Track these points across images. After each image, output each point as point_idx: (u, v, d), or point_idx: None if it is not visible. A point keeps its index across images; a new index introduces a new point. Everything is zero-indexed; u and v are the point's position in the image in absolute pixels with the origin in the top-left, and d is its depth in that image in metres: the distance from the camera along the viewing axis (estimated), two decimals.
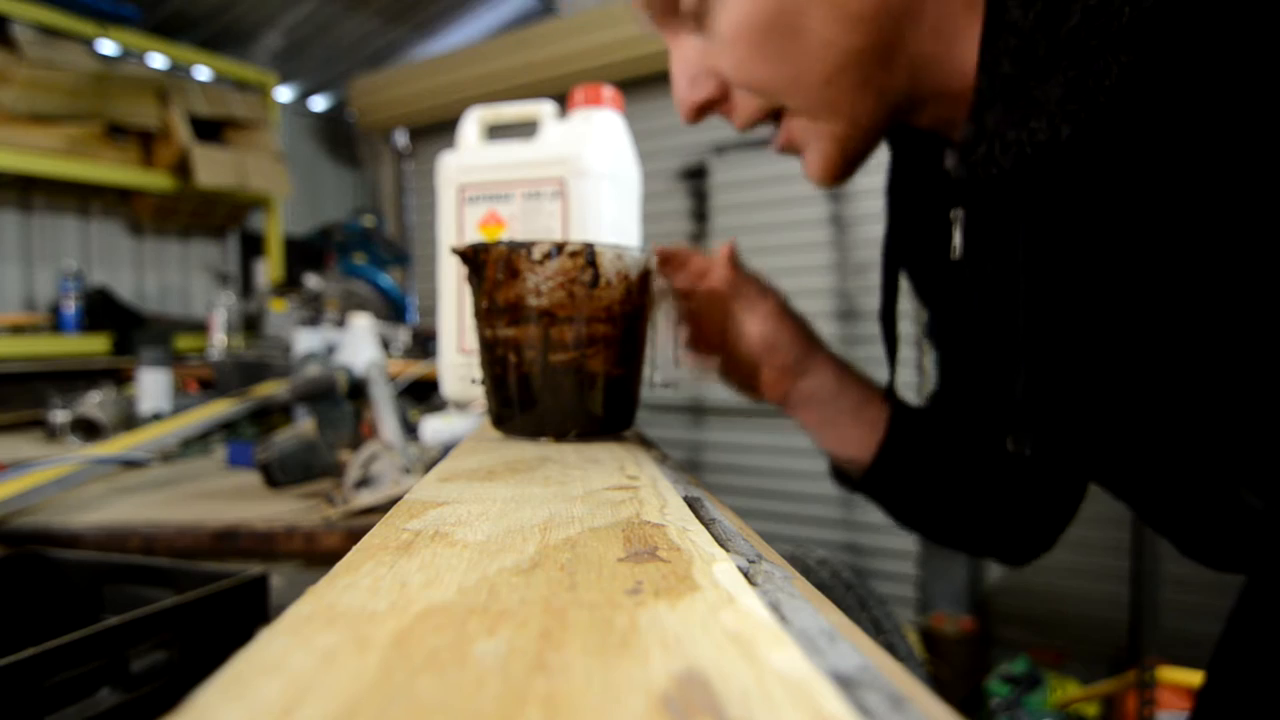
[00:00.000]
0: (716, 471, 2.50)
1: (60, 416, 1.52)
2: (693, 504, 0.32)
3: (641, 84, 2.49)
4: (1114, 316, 0.38)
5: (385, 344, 1.84)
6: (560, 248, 0.46)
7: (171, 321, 2.62)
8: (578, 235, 0.82)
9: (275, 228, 2.89)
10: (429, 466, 0.92)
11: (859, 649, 0.17)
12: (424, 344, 2.00)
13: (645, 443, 0.53)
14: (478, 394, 0.87)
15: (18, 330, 2.24)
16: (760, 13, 0.40)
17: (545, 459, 0.43)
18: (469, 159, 0.88)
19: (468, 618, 0.18)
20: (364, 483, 0.89)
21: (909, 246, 0.56)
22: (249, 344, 2.39)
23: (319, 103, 3.44)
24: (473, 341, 0.93)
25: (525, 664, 0.15)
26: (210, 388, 1.87)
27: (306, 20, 2.80)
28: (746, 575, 0.22)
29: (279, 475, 0.97)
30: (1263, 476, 0.38)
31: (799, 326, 0.59)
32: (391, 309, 2.39)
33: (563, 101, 0.92)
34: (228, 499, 0.96)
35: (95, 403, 1.49)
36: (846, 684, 0.15)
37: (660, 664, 0.15)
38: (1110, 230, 0.36)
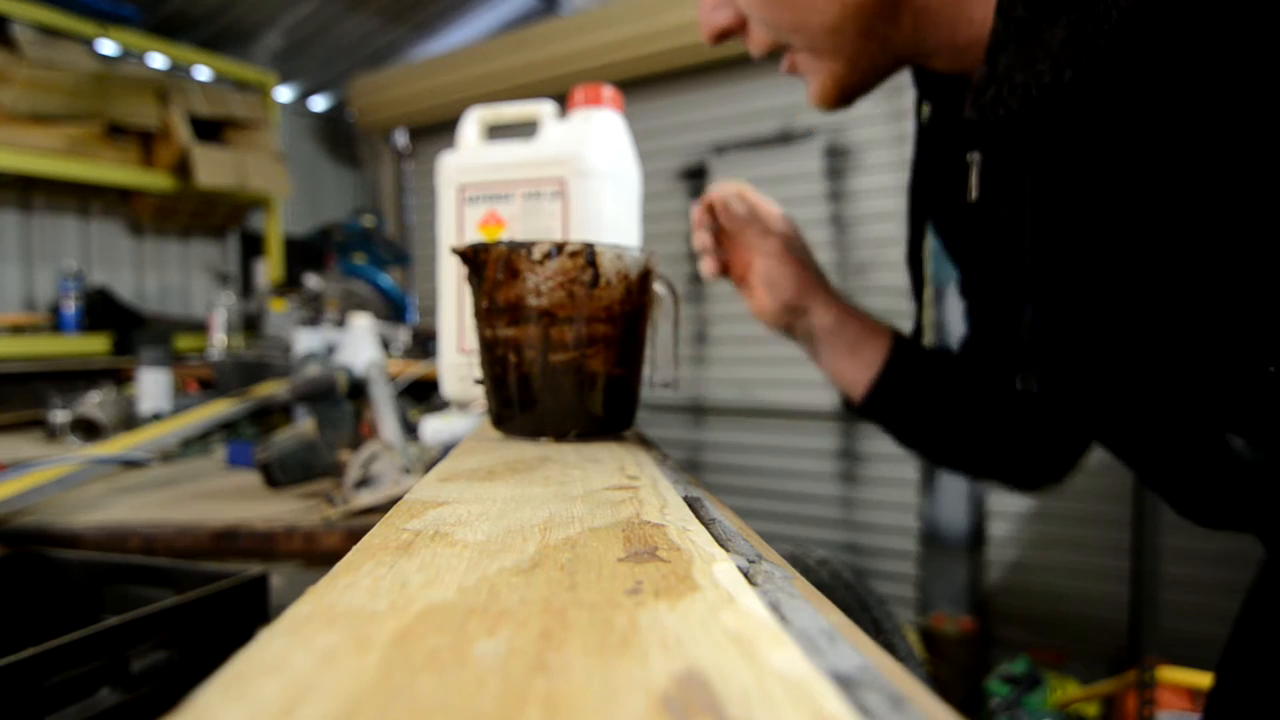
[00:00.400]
0: (716, 471, 2.50)
1: (60, 416, 1.52)
2: (693, 504, 0.32)
3: (641, 84, 2.49)
4: (1114, 254, 0.39)
5: (385, 344, 1.84)
6: (560, 248, 0.46)
7: (171, 321, 2.62)
8: (578, 235, 0.82)
9: (275, 228, 2.89)
10: (429, 466, 0.92)
11: (859, 649, 0.17)
12: (424, 344, 2.00)
13: (645, 443, 0.53)
14: (478, 394, 0.87)
15: (18, 330, 2.24)
16: None
17: (545, 459, 0.43)
18: (469, 159, 0.88)
19: (468, 618, 0.18)
20: (364, 483, 0.89)
21: (934, 192, 0.57)
22: (249, 344, 2.39)
23: (319, 103, 3.44)
24: (473, 341, 0.93)
25: (525, 664, 0.15)
26: (210, 388, 1.87)
27: (306, 20, 2.80)
28: (746, 575, 0.22)
29: (279, 475, 0.97)
30: (1248, 422, 0.38)
31: (799, 266, 0.63)
32: (391, 309, 2.39)
33: (563, 101, 0.92)
34: (228, 499, 0.96)
35: (95, 403, 1.49)
36: (846, 684, 0.15)
37: (660, 664, 0.15)
38: (1111, 170, 0.37)
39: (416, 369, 1.60)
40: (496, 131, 0.91)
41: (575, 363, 0.47)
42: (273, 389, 1.52)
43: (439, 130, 3.06)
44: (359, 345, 1.34)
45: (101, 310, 2.37)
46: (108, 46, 2.41)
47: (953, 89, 0.50)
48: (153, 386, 1.52)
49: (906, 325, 0.66)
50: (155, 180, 2.44)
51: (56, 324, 2.29)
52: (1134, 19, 0.34)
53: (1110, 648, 1.92)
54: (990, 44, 0.40)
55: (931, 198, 0.58)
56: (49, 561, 0.68)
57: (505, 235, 0.85)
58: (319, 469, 1.00)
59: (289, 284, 2.62)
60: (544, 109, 0.89)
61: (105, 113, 2.28)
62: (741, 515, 0.37)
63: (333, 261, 2.64)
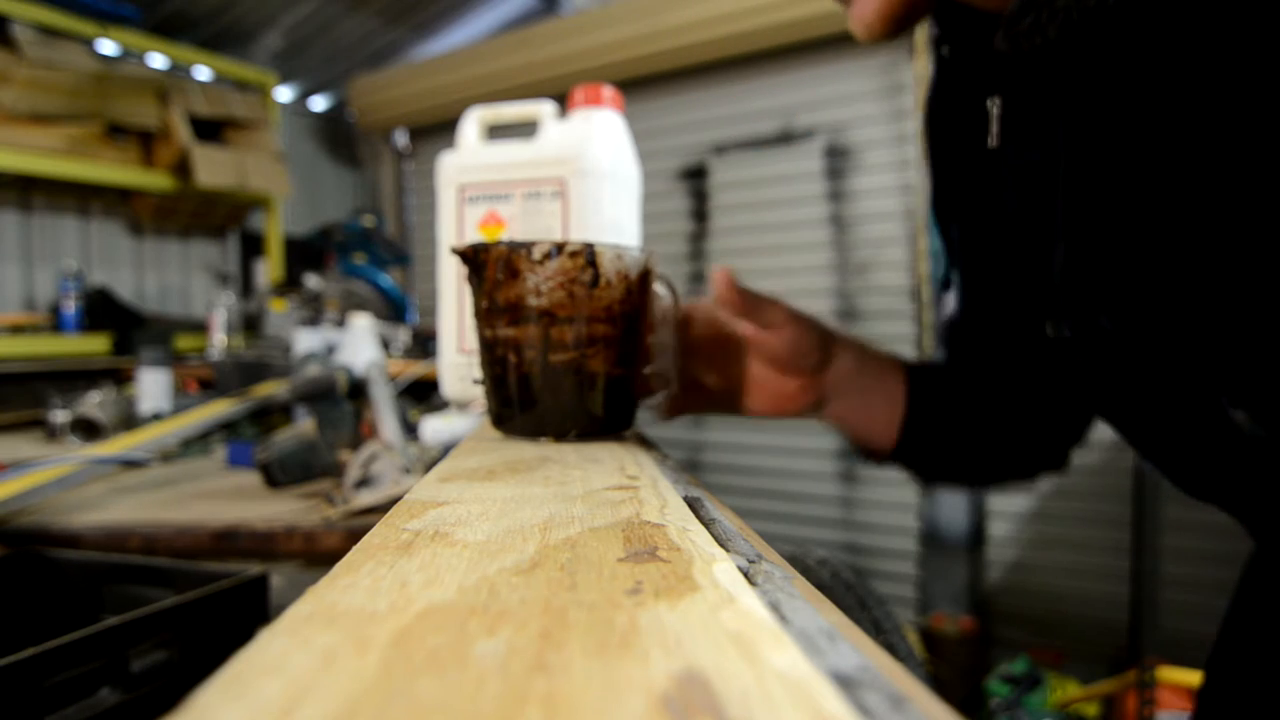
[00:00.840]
0: (716, 471, 2.50)
1: (60, 416, 1.52)
2: (693, 504, 0.32)
3: (641, 84, 2.49)
4: (1155, 187, 0.37)
5: (385, 344, 1.84)
6: (560, 248, 0.46)
7: (171, 321, 2.62)
8: (578, 235, 0.82)
9: (275, 228, 2.89)
10: (429, 466, 0.92)
11: (859, 649, 0.17)
12: (424, 344, 2.00)
13: (645, 443, 0.53)
14: (478, 394, 0.87)
15: (18, 330, 2.24)
16: None
17: (545, 459, 0.43)
18: (469, 159, 0.88)
19: (468, 618, 0.18)
20: (364, 483, 0.89)
21: (947, 141, 0.55)
22: (249, 344, 2.39)
23: (319, 103, 3.44)
24: (473, 341, 0.93)
25: (525, 664, 0.15)
26: (210, 388, 1.87)
27: (306, 20, 2.80)
28: (746, 575, 0.22)
29: (279, 475, 0.97)
30: (1255, 392, 0.37)
31: (811, 322, 0.57)
32: (391, 309, 2.39)
33: (563, 101, 0.92)
34: (228, 499, 0.96)
35: (95, 403, 1.49)
36: (846, 684, 0.15)
37: (660, 664, 0.15)
38: (1155, 100, 0.35)
39: (416, 369, 1.60)
40: (496, 131, 0.91)
41: (575, 363, 0.47)
42: (273, 389, 1.52)
43: (439, 130, 3.06)
44: (359, 345, 1.34)
45: (101, 310, 2.37)
46: (108, 46, 2.41)
47: (978, 28, 0.47)
48: (153, 386, 1.52)
49: (907, 327, 0.64)
50: (155, 180, 2.44)
51: (56, 324, 2.29)
52: None
53: (1110, 648, 1.92)
54: None
55: (946, 146, 0.56)
56: (49, 561, 0.68)
57: (505, 235, 0.85)
58: (319, 469, 1.00)
59: (289, 284, 2.62)
60: (544, 109, 0.89)
61: (105, 113, 2.28)
62: (741, 515, 0.37)
63: (333, 261, 2.64)
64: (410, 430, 1.15)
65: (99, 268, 2.57)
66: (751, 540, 0.29)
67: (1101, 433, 0.56)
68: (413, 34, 3.04)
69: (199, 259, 2.89)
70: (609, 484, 0.35)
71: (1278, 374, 0.36)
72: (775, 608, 0.19)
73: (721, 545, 0.25)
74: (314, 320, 2.14)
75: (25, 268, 2.41)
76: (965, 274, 0.59)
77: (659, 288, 0.50)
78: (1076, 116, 0.39)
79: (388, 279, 2.49)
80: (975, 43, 0.47)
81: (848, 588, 1.48)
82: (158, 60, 2.61)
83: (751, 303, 0.54)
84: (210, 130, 2.55)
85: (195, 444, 1.32)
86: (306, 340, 1.61)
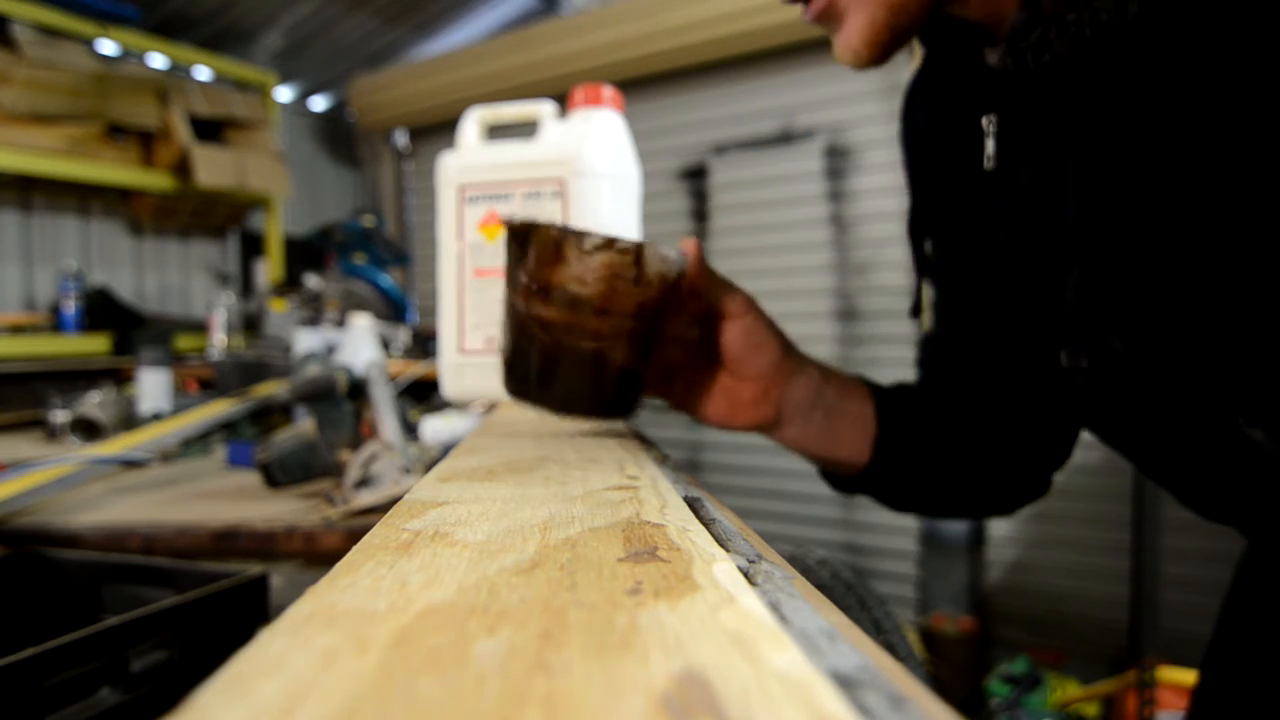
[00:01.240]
0: (716, 471, 2.50)
1: (60, 416, 1.52)
2: (693, 504, 0.32)
3: (641, 84, 2.49)
4: (1168, 209, 0.35)
5: (385, 344, 1.84)
6: (611, 243, 0.47)
7: (171, 321, 2.62)
8: None
9: (275, 228, 2.89)
10: (429, 466, 0.92)
11: (859, 649, 0.17)
12: (424, 344, 2.00)
13: (645, 443, 0.53)
14: (478, 394, 0.87)
15: (18, 330, 2.24)
16: None
17: (545, 459, 0.43)
18: (469, 159, 0.88)
19: (468, 618, 0.18)
20: (364, 483, 0.89)
21: (929, 156, 0.53)
22: (249, 344, 2.39)
23: (319, 103, 3.44)
24: (473, 342, 0.93)
25: (525, 664, 0.15)
26: (210, 388, 1.87)
27: (306, 20, 2.80)
28: (746, 575, 0.22)
29: (279, 475, 0.97)
30: (1266, 408, 0.36)
31: (771, 322, 0.53)
32: (391, 309, 2.39)
33: (563, 101, 0.92)
34: (228, 499, 0.96)
35: (95, 403, 1.49)
36: (846, 684, 0.15)
37: (660, 664, 0.15)
38: (1170, 122, 0.34)
39: (416, 369, 1.60)
40: (496, 131, 0.91)
41: (600, 352, 0.48)
42: (273, 389, 1.52)
43: (439, 130, 3.06)
44: (359, 345, 1.34)
45: (101, 310, 2.37)
46: (108, 46, 2.41)
47: (965, 41, 0.46)
48: (153, 386, 1.52)
49: (907, 327, 0.62)
50: (155, 180, 2.44)
51: (56, 324, 2.29)
52: None
53: (1110, 648, 1.92)
54: None
55: (927, 161, 0.53)
56: (49, 561, 0.68)
57: None
58: (319, 469, 1.00)
59: (289, 284, 2.62)
60: (544, 109, 0.89)
61: (105, 113, 2.28)
62: (741, 515, 0.37)
63: (333, 261, 2.64)
64: (410, 430, 1.15)
65: (99, 268, 2.57)
66: (751, 540, 0.29)
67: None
68: (413, 34, 3.04)
69: (199, 259, 2.89)
70: (609, 484, 0.35)
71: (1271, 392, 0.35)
72: (775, 608, 0.19)
73: (721, 545, 0.25)
74: (314, 320, 2.14)
75: (25, 268, 2.41)
76: (945, 294, 0.57)
77: (671, 253, 0.49)
78: (1086, 135, 0.38)
79: (388, 279, 2.49)
80: (963, 56, 0.46)
81: (848, 588, 1.48)
82: (158, 60, 2.61)
83: (714, 282, 0.50)
84: (210, 130, 2.55)
85: (195, 444, 1.32)
86: (306, 340, 1.61)
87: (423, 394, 1.57)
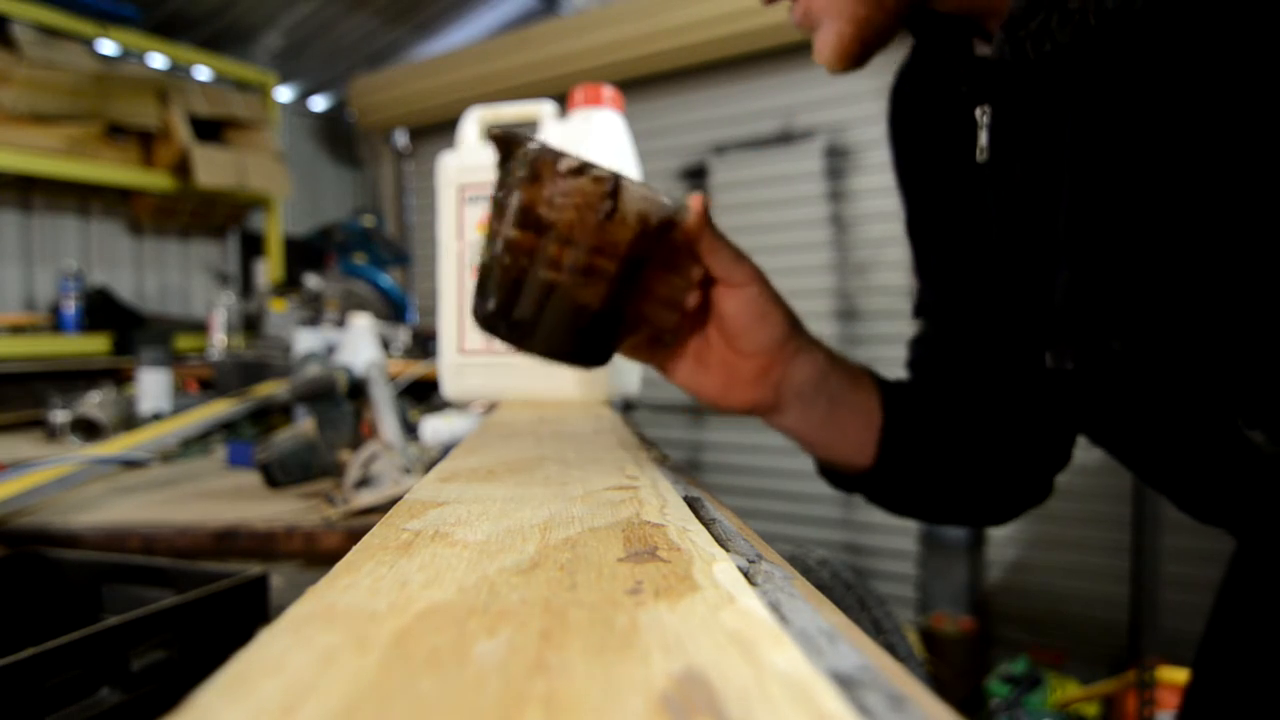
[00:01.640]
0: (716, 471, 2.50)
1: (60, 416, 1.52)
2: (693, 504, 0.32)
3: (641, 84, 2.49)
4: (1167, 206, 0.34)
5: (385, 344, 1.84)
6: (586, 168, 0.43)
7: (171, 321, 2.62)
8: None
9: (275, 228, 2.89)
10: (429, 466, 0.92)
11: (859, 649, 0.17)
12: (424, 344, 2.00)
13: (645, 443, 0.53)
14: (478, 394, 0.87)
15: (18, 330, 2.24)
16: None
17: (545, 459, 0.43)
18: (469, 159, 0.88)
19: (468, 618, 0.18)
20: (364, 483, 0.89)
21: (923, 155, 0.52)
22: (249, 344, 2.39)
23: (319, 103, 3.44)
24: (473, 342, 0.93)
25: (525, 664, 0.15)
26: (210, 388, 1.87)
27: (306, 20, 2.80)
28: (746, 575, 0.22)
29: (279, 475, 0.97)
30: (1267, 409, 0.35)
31: (778, 295, 0.49)
32: (391, 309, 2.40)
33: (563, 101, 0.92)
34: (228, 499, 0.96)
35: (95, 403, 1.49)
36: (846, 684, 0.15)
37: (660, 664, 0.15)
38: (1173, 115, 0.33)
39: (416, 369, 1.60)
40: None
41: (564, 286, 0.45)
42: (273, 389, 1.52)
43: (439, 130, 3.06)
44: (359, 345, 1.34)
45: (101, 310, 2.37)
46: (108, 46, 2.41)
47: (952, 31, 0.44)
48: (153, 386, 1.52)
49: (907, 327, 0.61)
50: (155, 180, 2.44)
51: (56, 324, 2.29)
52: None
53: (1110, 648, 1.92)
54: None
55: (918, 157, 0.52)
56: (49, 561, 0.68)
57: None
58: (319, 469, 1.00)
59: (289, 284, 2.62)
60: (544, 109, 0.89)
61: (105, 113, 2.28)
62: (741, 515, 0.37)
63: (333, 261, 2.64)
64: (410, 430, 1.14)
65: (99, 268, 2.57)
66: (751, 540, 0.29)
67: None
68: (413, 34, 3.04)
69: (199, 259, 2.89)
70: (609, 484, 0.35)
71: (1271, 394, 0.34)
72: (775, 608, 0.19)
73: (721, 545, 0.25)
74: (314, 320, 2.14)
75: (25, 268, 2.41)
76: (936, 293, 0.55)
77: (663, 198, 0.45)
78: (1085, 129, 0.37)
79: (388, 279, 2.49)
80: (953, 47, 0.45)
81: (848, 588, 1.48)
82: (158, 60, 2.61)
83: (719, 245, 0.45)
84: (210, 130, 2.55)
85: (195, 444, 1.32)
86: (306, 340, 1.61)
87: (423, 394, 1.57)
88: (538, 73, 2.58)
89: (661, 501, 0.31)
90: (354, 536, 0.58)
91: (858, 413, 0.52)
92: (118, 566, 0.67)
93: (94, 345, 2.30)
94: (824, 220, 2.31)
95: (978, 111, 0.43)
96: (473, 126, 0.91)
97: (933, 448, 0.54)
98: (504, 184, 0.46)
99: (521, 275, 0.45)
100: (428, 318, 2.89)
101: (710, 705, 0.13)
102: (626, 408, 1.05)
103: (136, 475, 1.09)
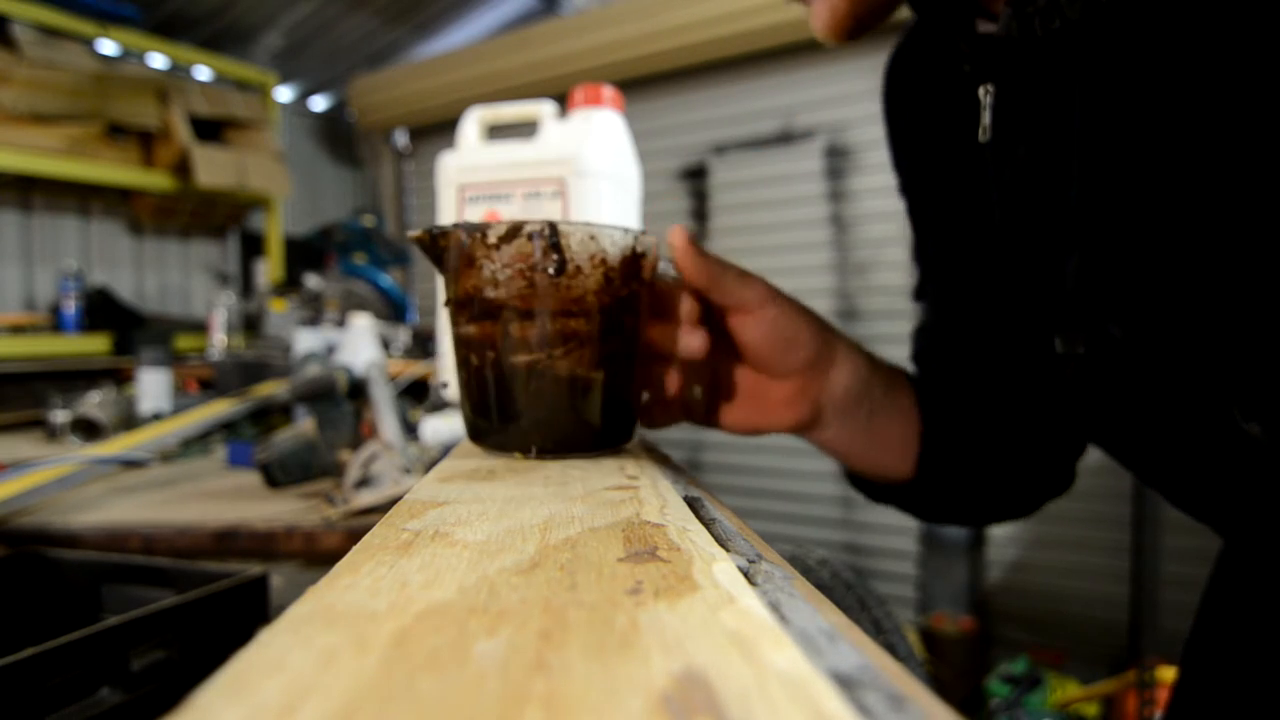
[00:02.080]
0: (716, 471, 2.50)
1: (60, 416, 1.52)
2: (693, 504, 0.32)
3: (641, 84, 2.49)
4: (1177, 190, 0.33)
5: (385, 344, 1.84)
6: (518, 228, 0.39)
7: (171, 321, 2.62)
8: None
9: (275, 228, 2.89)
10: (429, 466, 0.92)
11: (859, 649, 0.17)
12: (424, 344, 2.00)
13: (645, 443, 0.53)
14: None
15: (18, 330, 2.24)
16: None
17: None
18: (469, 159, 0.88)
19: (468, 618, 0.18)
20: (364, 483, 0.89)
21: (922, 135, 0.50)
22: (249, 344, 2.39)
23: (319, 103, 3.44)
24: None
25: (525, 664, 0.15)
26: (210, 388, 1.87)
27: (306, 20, 2.80)
28: (746, 575, 0.22)
29: (279, 475, 0.97)
30: (1265, 401, 0.34)
31: (800, 306, 0.45)
32: (391, 309, 2.39)
33: (563, 101, 0.92)
34: (228, 499, 0.96)
35: (95, 403, 1.49)
36: (846, 684, 0.15)
37: (660, 664, 0.15)
38: (1185, 96, 0.32)
39: (416, 369, 1.60)
40: (496, 131, 0.91)
41: (540, 365, 0.40)
42: (273, 389, 1.52)
43: (439, 130, 3.06)
44: (359, 345, 1.34)
45: (101, 310, 2.37)
46: (108, 46, 2.41)
47: (954, 10, 0.43)
48: (153, 386, 1.52)
49: (907, 327, 0.60)
50: (155, 180, 2.44)
51: (56, 324, 2.29)
52: None
53: (1110, 648, 1.92)
54: None
55: (917, 137, 0.51)
56: (48, 561, 0.68)
57: None
58: (319, 469, 1.00)
59: (289, 284, 2.62)
60: (544, 109, 0.89)
61: (105, 113, 2.28)
62: (741, 515, 0.37)
63: (333, 261, 2.64)
64: (410, 430, 1.14)
65: (99, 268, 2.57)
66: (751, 540, 0.29)
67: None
68: (413, 34, 3.04)
69: (199, 259, 2.89)
70: (609, 484, 0.35)
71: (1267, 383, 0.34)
72: (775, 608, 0.19)
73: (721, 545, 0.25)
74: (314, 320, 2.14)
75: (25, 268, 2.41)
76: (937, 276, 0.54)
77: (613, 231, 0.41)
78: (1094, 109, 0.36)
79: (388, 279, 2.49)
80: (954, 23, 0.43)
81: (848, 588, 1.48)
82: (158, 60, 2.61)
83: (717, 274, 0.41)
84: (210, 130, 2.55)
85: (195, 444, 1.32)
86: (306, 340, 1.61)
87: (423, 394, 1.57)
88: (538, 73, 2.58)
89: (661, 501, 0.31)
90: (354, 536, 0.58)
91: (897, 421, 0.49)
92: (117, 566, 0.67)
93: (94, 345, 2.30)
94: (824, 220, 2.31)
95: (981, 90, 0.42)
96: (473, 126, 0.91)
97: (970, 450, 0.52)
98: (447, 286, 0.42)
99: (497, 371, 0.41)
100: (428, 318, 2.89)
101: (710, 705, 0.13)
102: None
103: (136, 475, 1.09)
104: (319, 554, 0.80)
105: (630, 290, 0.42)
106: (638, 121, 1.47)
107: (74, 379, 2.11)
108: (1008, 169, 0.42)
